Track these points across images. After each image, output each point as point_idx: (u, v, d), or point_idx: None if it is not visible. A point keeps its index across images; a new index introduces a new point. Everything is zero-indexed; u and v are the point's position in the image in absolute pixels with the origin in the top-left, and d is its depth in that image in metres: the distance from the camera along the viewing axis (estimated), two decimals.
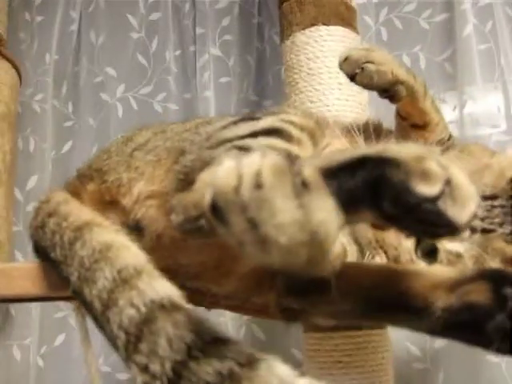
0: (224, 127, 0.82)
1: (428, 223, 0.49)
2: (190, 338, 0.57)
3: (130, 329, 0.61)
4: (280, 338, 2.00)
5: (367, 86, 1.07)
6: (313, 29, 1.56)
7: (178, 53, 2.37)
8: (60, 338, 2.18)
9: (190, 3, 2.38)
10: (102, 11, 2.44)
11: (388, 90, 1.07)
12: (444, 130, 1.17)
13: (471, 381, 1.82)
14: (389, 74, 1.06)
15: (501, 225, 0.85)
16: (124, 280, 0.65)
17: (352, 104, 1.50)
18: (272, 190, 0.48)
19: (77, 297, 0.72)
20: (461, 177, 0.50)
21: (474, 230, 0.85)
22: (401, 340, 1.91)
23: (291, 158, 0.53)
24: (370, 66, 1.05)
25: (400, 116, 1.16)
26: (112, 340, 0.63)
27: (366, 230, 0.87)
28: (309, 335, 1.44)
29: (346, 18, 1.60)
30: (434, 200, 0.49)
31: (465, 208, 0.49)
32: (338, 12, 1.58)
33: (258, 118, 0.81)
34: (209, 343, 0.57)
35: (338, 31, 1.57)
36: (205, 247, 0.71)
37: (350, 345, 1.36)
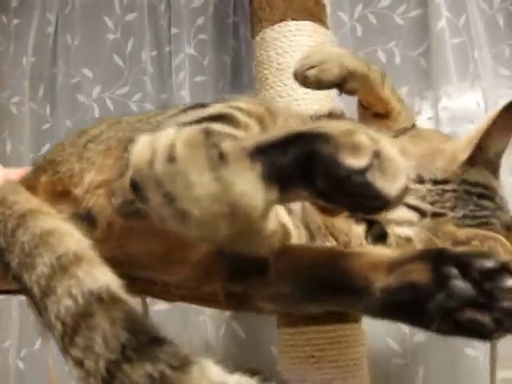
0: (173, 115, 0.82)
1: (358, 196, 0.49)
2: (125, 338, 0.57)
3: (67, 320, 0.60)
4: (260, 335, 1.99)
5: (322, 88, 1.09)
6: (282, 24, 1.56)
7: (154, 53, 2.37)
8: (40, 341, 2.17)
9: (165, 3, 2.37)
10: (78, 13, 2.44)
11: (341, 85, 1.07)
12: (407, 119, 1.17)
13: (450, 375, 1.82)
14: (334, 69, 1.06)
15: (452, 209, 0.86)
16: (63, 267, 0.64)
17: (321, 97, 1.50)
18: (185, 163, 0.48)
19: (17, 283, 0.71)
20: (391, 150, 0.51)
21: (423, 214, 0.85)
22: (380, 335, 1.91)
23: (213, 133, 0.52)
24: (312, 71, 1.06)
25: (362, 106, 1.16)
26: (49, 329, 0.62)
27: (316, 216, 0.87)
28: (282, 331, 1.44)
29: (315, 13, 1.60)
30: (362, 172, 0.49)
31: (394, 180, 0.49)
32: (307, 7, 1.58)
33: (206, 106, 0.81)
34: (143, 344, 0.56)
35: (307, 26, 1.57)
36: (153, 235, 0.70)
37: (323, 339, 1.35)
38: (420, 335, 1.88)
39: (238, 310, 0.79)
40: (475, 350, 1.76)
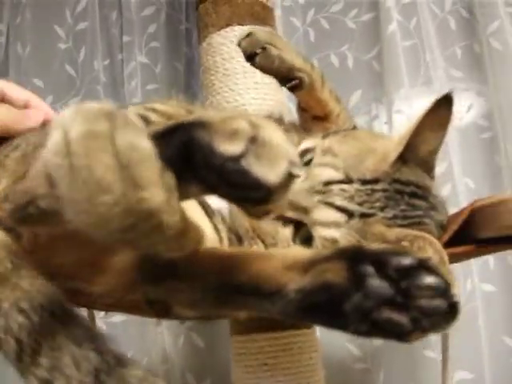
0: None
1: (239, 186, 0.47)
2: (96, 360, 0.55)
3: (23, 337, 0.57)
4: (218, 344, 1.97)
5: (265, 69, 1.07)
6: (228, 29, 1.55)
7: (106, 62, 2.34)
8: None
9: (117, 11, 2.35)
10: (29, 23, 2.40)
11: (286, 78, 1.06)
12: (347, 121, 1.16)
13: (410, 378, 1.82)
14: (289, 61, 1.05)
15: (382, 209, 0.84)
16: (3, 276, 0.62)
17: (269, 103, 1.49)
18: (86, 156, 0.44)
19: None
20: (271, 134, 0.48)
21: (351, 215, 0.83)
22: (339, 340, 1.90)
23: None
24: (273, 50, 1.05)
25: (301, 108, 1.16)
26: None
27: (243, 219, 0.85)
28: (234, 339, 1.42)
29: (262, 18, 1.59)
30: (236, 159, 0.46)
31: (273, 166, 0.47)
32: (253, 11, 1.57)
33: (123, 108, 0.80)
34: (113, 367, 0.55)
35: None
36: (75, 242, 0.67)
37: (275, 346, 1.34)
38: (379, 340, 1.87)
39: (163, 317, 0.77)
40: (434, 352, 1.76)
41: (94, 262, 0.71)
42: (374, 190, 0.85)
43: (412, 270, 0.51)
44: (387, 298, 0.50)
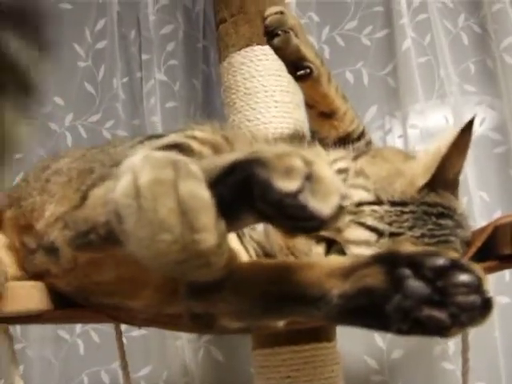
0: (131, 147, 0.84)
1: (295, 218, 0.52)
2: None
3: None
4: (238, 358, 2.00)
5: (279, 51, 1.14)
6: (248, 49, 1.59)
7: (125, 80, 2.38)
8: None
9: (135, 30, 2.39)
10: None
11: (295, 66, 1.13)
12: (354, 121, 1.20)
13: None
14: (303, 52, 1.10)
15: (410, 228, 0.87)
16: None
17: (289, 121, 1.53)
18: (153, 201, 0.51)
19: None
20: (323, 171, 0.53)
21: (381, 234, 0.86)
22: (358, 353, 1.92)
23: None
24: (293, 37, 1.10)
25: (308, 105, 1.21)
26: None
27: (277, 237, 0.88)
28: (257, 352, 1.45)
29: None
30: (294, 195, 0.51)
31: (327, 201, 0.52)
32: None
33: (162, 136, 0.83)
34: None
35: (272, 50, 1.59)
36: (118, 261, 0.71)
37: (298, 359, 1.37)
38: (397, 351, 1.89)
39: (206, 331, 0.80)
40: (452, 364, 1.78)
41: (135, 277, 0.74)
42: (402, 212, 0.89)
43: (446, 269, 0.55)
44: (425, 296, 0.54)
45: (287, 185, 0.51)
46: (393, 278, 0.56)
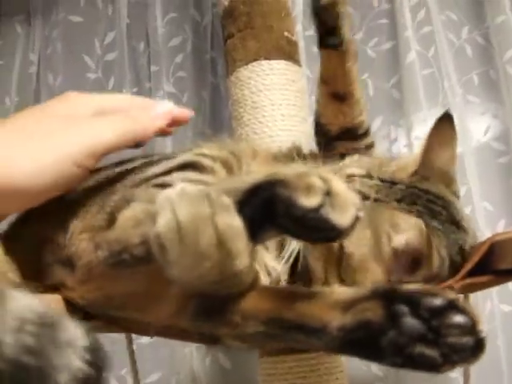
0: (145, 165, 0.87)
1: (317, 230, 0.58)
2: None
3: None
4: (245, 365, 2.03)
5: (323, 13, 1.15)
6: (255, 63, 1.62)
7: (134, 91, 2.42)
8: None
9: (144, 42, 2.44)
10: (59, 53, 2.50)
11: (331, 32, 1.15)
12: (362, 114, 1.23)
13: None
14: (341, 23, 1.15)
15: (398, 201, 0.91)
16: None
17: (295, 134, 1.56)
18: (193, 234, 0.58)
19: None
20: (340, 187, 0.59)
21: (366, 198, 0.90)
22: (362, 361, 1.94)
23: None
24: (341, 7, 1.14)
25: (323, 80, 1.22)
26: None
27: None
28: (263, 360, 1.47)
29: (288, 52, 1.66)
30: (316, 210, 0.57)
31: (345, 213, 0.58)
32: (279, 46, 1.64)
33: (174, 157, 0.87)
34: None
35: (279, 65, 1.62)
36: (137, 276, 0.74)
37: (304, 367, 1.39)
38: None
39: (212, 345, 0.84)
40: (455, 372, 1.80)
41: (148, 291, 0.78)
42: (391, 188, 0.93)
43: (442, 310, 0.57)
44: (419, 334, 0.57)
45: (309, 201, 0.58)
46: (390, 314, 0.59)
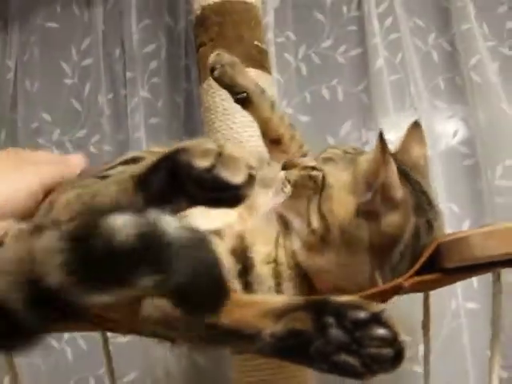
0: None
1: (215, 190, 0.64)
2: None
3: None
4: (220, 363, 2.06)
5: (219, 81, 1.27)
6: None
7: (110, 96, 2.46)
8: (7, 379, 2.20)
9: (119, 49, 2.48)
10: (36, 59, 2.53)
11: (236, 92, 1.26)
12: (303, 146, 1.30)
13: None
14: (238, 80, 1.25)
15: None
16: None
17: None
18: None
19: None
20: (232, 149, 0.65)
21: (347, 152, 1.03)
22: None
23: None
24: (229, 69, 1.25)
25: (261, 134, 1.32)
26: None
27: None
28: (236, 357, 1.53)
29: (258, 60, 1.72)
30: (209, 170, 0.63)
31: (237, 171, 0.63)
32: (250, 55, 1.70)
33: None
34: None
35: (250, 73, 1.67)
36: None
37: (272, 363, 1.44)
38: None
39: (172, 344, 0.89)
40: (421, 367, 1.84)
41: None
42: None
43: (366, 322, 0.64)
44: (343, 344, 0.63)
45: (203, 162, 0.63)
46: (318, 325, 0.65)
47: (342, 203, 0.90)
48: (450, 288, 1.87)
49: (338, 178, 0.94)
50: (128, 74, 2.42)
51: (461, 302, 1.90)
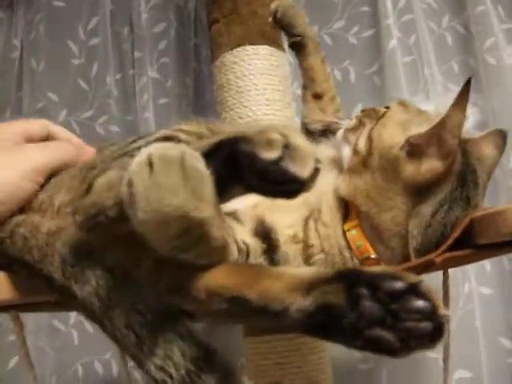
0: (125, 145, 0.91)
1: (279, 183, 0.62)
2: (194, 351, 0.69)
3: (142, 332, 0.71)
4: (228, 349, 2.04)
5: (279, 22, 1.28)
6: (240, 49, 1.64)
7: (118, 76, 2.43)
8: (13, 361, 2.19)
9: (128, 28, 2.44)
10: (42, 38, 2.48)
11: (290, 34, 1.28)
12: (340, 111, 1.31)
13: (412, 377, 1.90)
14: (296, 22, 1.27)
15: None
16: None
17: (279, 118, 1.59)
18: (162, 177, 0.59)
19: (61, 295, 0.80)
20: (299, 140, 0.62)
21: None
22: None
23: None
24: (291, 9, 1.27)
25: (304, 87, 1.32)
26: (117, 338, 0.73)
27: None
28: (248, 340, 1.51)
29: (272, 38, 1.68)
30: (276, 162, 0.61)
31: (304, 165, 0.61)
32: (264, 32, 1.67)
33: (153, 133, 0.91)
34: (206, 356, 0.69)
35: (264, 50, 1.65)
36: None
37: (287, 347, 1.42)
38: None
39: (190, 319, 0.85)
40: (435, 352, 1.83)
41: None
42: None
43: (402, 294, 0.57)
44: (378, 318, 0.57)
45: (269, 154, 0.61)
46: (351, 297, 0.59)
47: (393, 133, 0.93)
48: (463, 272, 1.85)
49: (400, 116, 0.97)
50: (136, 54, 2.38)
51: (474, 286, 1.89)
